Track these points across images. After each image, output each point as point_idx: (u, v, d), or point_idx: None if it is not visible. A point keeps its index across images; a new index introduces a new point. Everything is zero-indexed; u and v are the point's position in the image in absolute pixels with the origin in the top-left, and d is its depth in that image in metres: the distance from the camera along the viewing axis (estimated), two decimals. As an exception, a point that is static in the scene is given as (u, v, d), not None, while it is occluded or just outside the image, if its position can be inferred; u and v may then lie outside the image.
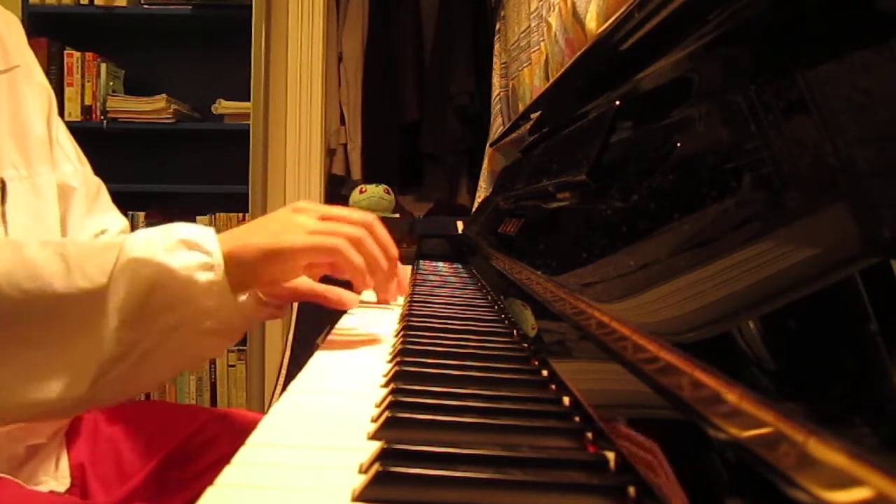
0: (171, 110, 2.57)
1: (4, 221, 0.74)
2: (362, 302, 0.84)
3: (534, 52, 1.53)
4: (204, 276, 0.57)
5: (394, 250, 0.68)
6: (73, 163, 0.87)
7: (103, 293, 0.56)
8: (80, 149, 0.92)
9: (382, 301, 0.67)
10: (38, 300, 0.55)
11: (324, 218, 0.65)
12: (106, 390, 0.58)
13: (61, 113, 0.91)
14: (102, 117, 2.57)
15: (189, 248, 0.57)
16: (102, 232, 0.90)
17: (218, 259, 0.58)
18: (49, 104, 0.87)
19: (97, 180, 0.93)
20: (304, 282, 0.70)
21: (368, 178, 2.60)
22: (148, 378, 0.60)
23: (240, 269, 0.59)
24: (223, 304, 0.58)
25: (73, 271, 0.56)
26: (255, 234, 0.62)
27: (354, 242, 0.63)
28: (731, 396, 0.28)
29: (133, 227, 2.65)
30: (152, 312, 0.57)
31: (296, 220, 0.64)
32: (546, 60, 1.36)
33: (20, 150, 0.78)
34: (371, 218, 0.67)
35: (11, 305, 0.55)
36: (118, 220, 0.94)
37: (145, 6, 2.58)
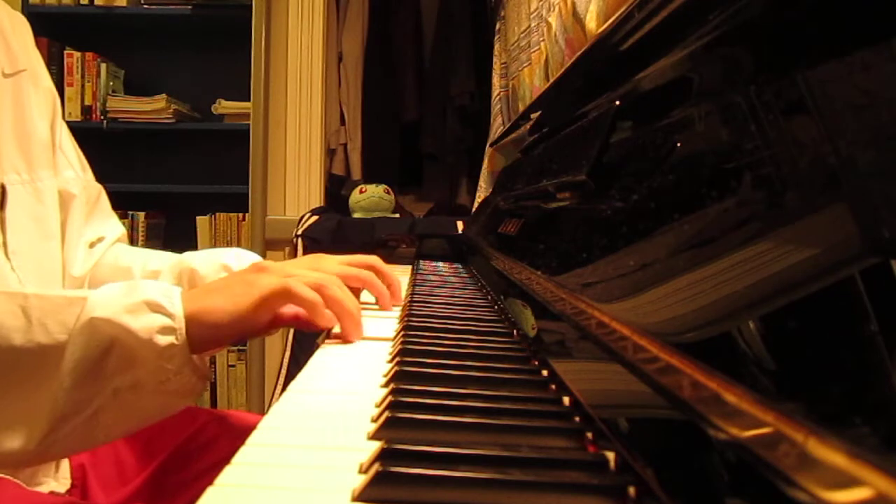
0: (171, 110, 2.57)
1: (3, 227, 0.73)
2: (362, 303, 0.84)
3: (534, 52, 1.53)
4: (164, 340, 0.57)
5: (354, 304, 0.68)
6: (74, 169, 0.88)
7: (61, 351, 0.55)
8: (82, 155, 0.92)
9: (346, 341, 0.67)
10: None
11: (286, 277, 0.65)
12: (58, 445, 0.57)
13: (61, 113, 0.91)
14: (102, 117, 2.57)
15: (152, 311, 0.57)
16: (99, 239, 0.90)
17: (180, 322, 0.58)
18: (54, 109, 0.87)
19: (98, 186, 0.93)
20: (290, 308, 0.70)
21: (368, 178, 2.60)
22: (103, 434, 0.60)
23: (201, 332, 0.59)
24: (182, 367, 0.58)
25: (33, 326, 0.55)
26: (218, 296, 0.62)
27: (309, 284, 0.64)
28: (731, 396, 0.28)
29: (133, 228, 2.62)
30: (107, 373, 0.56)
31: (258, 281, 0.64)
32: (546, 60, 1.36)
33: (23, 155, 0.78)
34: (332, 277, 0.67)
35: None
36: (116, 227, 0.94)
37: (145, 6, 2.58)
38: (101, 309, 0.56)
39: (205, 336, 0.60)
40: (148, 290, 0.59)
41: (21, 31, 0.85)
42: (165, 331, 0.57)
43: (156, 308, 0.57)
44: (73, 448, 0.61)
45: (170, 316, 0.57)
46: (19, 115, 0.79)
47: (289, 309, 0.65)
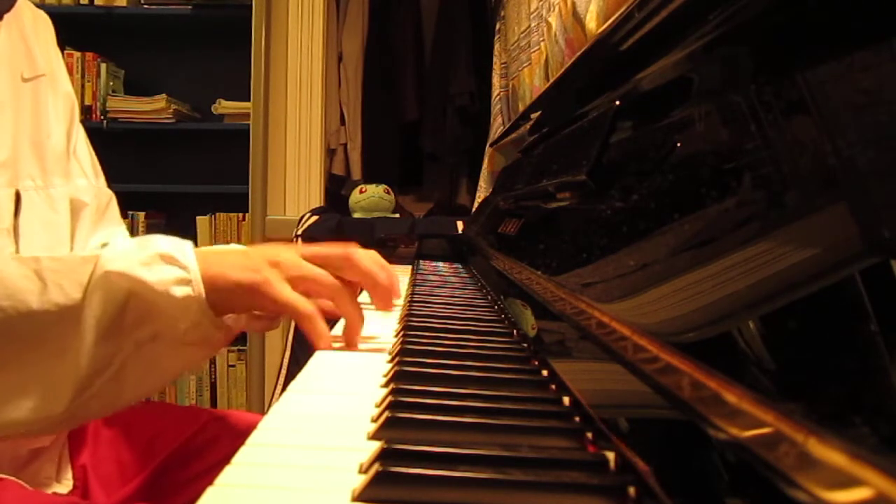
0: (171, 110, 2.57)
1: (16, 234, 0.73)
2: (362, 303, 0.84)
3: (534, 52, 1.53)
4: (181, 291, 0.57)
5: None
6: (87, 176, 0.87)
7: (79, 309, 0.55)
8: (97, 160, 0.91)
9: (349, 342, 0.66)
10: (14, 319, 0.55)
11: (297, 278, 0.62)
12: (87, 406, 0.57)
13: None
14: (102, 117, 2.57)
15: (166, 263, 0.57)
16: (104, 245, 0.90)
17: (195, 275, 0.57)
18: (72, 114, 0.86)
19: (109, 193, 0.93)
20: None
21: (368, 178, 2.60)
22: (130, 392, 0.60)
23: (214, 296, 0.59)
24: (201, 318, 0.58)
25: (49, 288, 0.55)
26: (233, 265, 0.61)
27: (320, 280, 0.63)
28: (731, 396, 0.28)
29: (133, 228, 2.62)
30: (128, 326, 0.56)
31: (273, 276, 0.61)
32: (546, 60, 1.36)
33: (38, 161, 0.78)
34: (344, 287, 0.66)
35: None
36: (122, 234, 0.94)
37: (145, 6, 2.58)
38: (114, 264, 0.56)
39: (216, 301, 0.59)
40: (160, 243, 0.59)
41: (44, 31, 0.85)
42: (181, 282, 0.57)
43: (169, 260, 0.57)
44: (104, 408, 0.61)
45: (184, 268, 0.57)
46: (36, 120, 0.79)
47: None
